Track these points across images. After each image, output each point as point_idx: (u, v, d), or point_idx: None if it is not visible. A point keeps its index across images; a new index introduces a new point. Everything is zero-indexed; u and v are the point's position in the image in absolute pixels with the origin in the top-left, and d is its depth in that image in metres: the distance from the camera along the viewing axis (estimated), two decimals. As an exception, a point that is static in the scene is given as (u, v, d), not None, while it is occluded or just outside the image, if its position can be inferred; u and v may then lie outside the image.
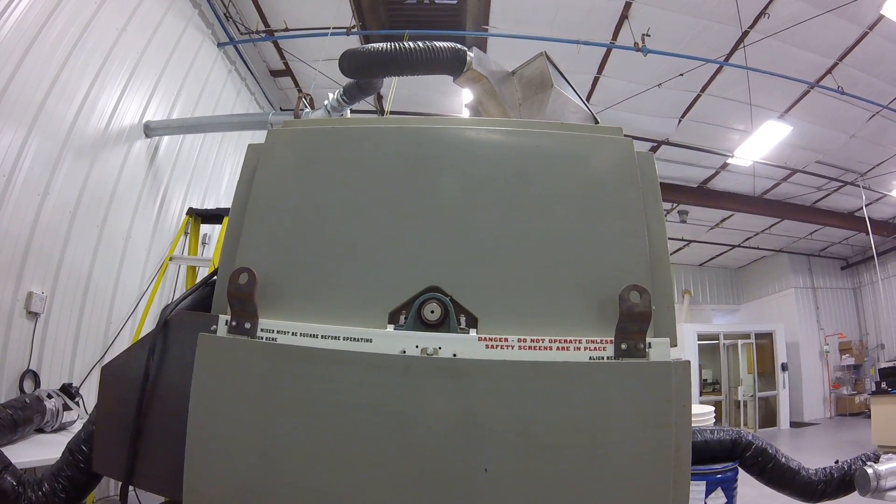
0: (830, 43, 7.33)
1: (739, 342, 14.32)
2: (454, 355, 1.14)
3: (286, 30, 7.08)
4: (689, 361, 1.19)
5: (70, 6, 4.13)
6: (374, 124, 1.52)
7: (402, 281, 1.23)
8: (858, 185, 10.82)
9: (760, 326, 14.74)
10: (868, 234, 11.65)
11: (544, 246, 1.26)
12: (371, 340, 1.16)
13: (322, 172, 1.37)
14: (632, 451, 1.10)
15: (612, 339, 1.16)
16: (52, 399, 3.34)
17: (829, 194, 11.58)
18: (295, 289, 1.26)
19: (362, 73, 2.68)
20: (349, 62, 2.46)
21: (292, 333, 1.19)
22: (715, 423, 4.10)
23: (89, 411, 3.51)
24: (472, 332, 1.18)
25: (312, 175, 1.38)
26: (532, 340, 1.15)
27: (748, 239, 14.97)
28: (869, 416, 11.03)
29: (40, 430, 3.23)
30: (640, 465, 1.10)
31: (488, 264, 1.25)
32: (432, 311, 1.18)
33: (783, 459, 2.36)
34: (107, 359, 4.42)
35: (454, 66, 2.35)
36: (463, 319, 1.19)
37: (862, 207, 11.26)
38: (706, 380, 14.60)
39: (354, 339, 1.16)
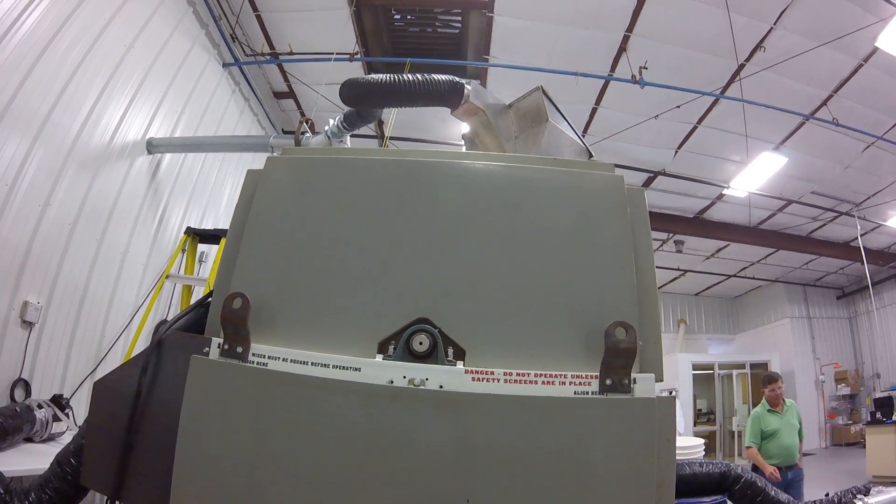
0: (825, 75, 7.46)
1: (734, 372, 14.26)
2: (441, 387, 1.15)
3: (290, 53, 7.21)
4: (674, 397, 1.21)
5: (80, 21, 4.22)
6: (370, 156, 1.55)
7: (392, 312, 1.25)
8: (853, 216, 10.92)
9: (755, 356, 14.67)
10: (863, 263, 11.72)
11: (533, 280, 1.28)
12: (360, 369, 1.17)
13: (318, 201, 1.40)
14: (615, 486, 1.11)
15: (598, 374, 1.17)
16: (43, 409, 3.34)
17: (824, 224, 11.68)
18: (287, 315, 1.28)
19: (361, 102, 2.71)
20: (349, 92, 2.50)
21: (283, 359, 1.20)
22: (705, 456, 4.08)
23: (79, 423, 3.50)
24: (460, 365, 1.19)
25: (308, 203, 1.41)
26: (518, 374, 1.17)
27: (744, 269, 15.03)
28: (865, 446, 10.97)
29: (29, 440, 3.23)
30: (623, 499, 1.11)
31: (477, 297, 1.27)
32: (421, 343, 1.20)
33: (773, 493, 2.34)
34: (99, 372, 4.42)
35: (452, 98, 2.38)
36: (451, 351, 1.21)
37: (857, 237, 11.35)
38: (700, 409, 14.51)
39: (343, 367, 1.18)
